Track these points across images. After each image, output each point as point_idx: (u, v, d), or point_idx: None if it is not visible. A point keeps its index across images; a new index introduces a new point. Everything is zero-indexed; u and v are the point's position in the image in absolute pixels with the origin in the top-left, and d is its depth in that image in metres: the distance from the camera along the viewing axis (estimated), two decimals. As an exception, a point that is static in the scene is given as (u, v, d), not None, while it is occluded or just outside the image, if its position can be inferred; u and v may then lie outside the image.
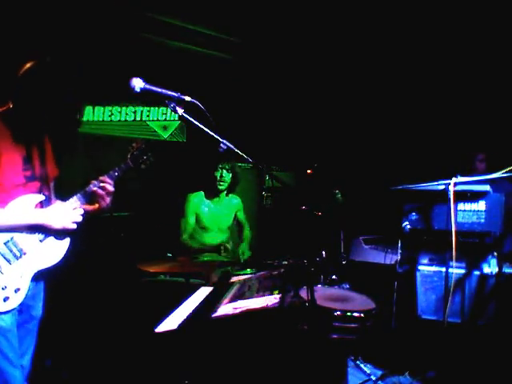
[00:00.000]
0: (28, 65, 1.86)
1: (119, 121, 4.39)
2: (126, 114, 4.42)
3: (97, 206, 2.10)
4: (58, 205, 2.01)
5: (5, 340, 1.84)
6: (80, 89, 1.93)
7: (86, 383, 2.85)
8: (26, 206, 1.91)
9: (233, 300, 2.22)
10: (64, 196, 2.10)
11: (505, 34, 3.86)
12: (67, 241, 2.04)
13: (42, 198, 1.98)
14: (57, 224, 1.92)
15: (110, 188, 2.07)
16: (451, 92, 4.36)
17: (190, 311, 2.18)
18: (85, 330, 3.01)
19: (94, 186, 2.05)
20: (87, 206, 2.08)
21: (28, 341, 2.07)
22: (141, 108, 4.51)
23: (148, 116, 4.56)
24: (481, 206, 2.99)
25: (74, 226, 1.97)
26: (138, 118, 4.51)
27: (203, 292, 2.51)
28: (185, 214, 3.73)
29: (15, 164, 1.90)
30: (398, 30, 4.24)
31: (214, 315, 2.05)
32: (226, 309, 2.10)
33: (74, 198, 2.03)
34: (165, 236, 4.25)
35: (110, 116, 4.33)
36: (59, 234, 1.98)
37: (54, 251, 2.00)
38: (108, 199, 2.09)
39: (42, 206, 1.99)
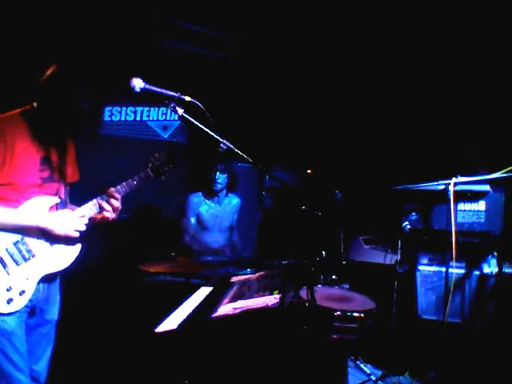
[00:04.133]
0: (52, 68, 1.85)
1: (119, 121, 4.39)
2: (126, 114, 4.43)
3: (103, 216, 2.01)
4: (64, 211, 1.95)
5: (8, 343, 1.78)
6: (100, 90, 1.91)
7: (86, 383, 2.84)
8: (39, 208, 1.86)
9: (233, 300, 2.22)
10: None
11: (504, 35, 3.85)
12: (78, 246, 1.98)
13: (57, 200, 1.93)
14: (59, 230, 1.85)
15: (116, 204, 2.00)
16: (451, 92, 4.36)
17: (190, 311, 2.18)
18: (85, 329, 3.01)
19: (101, 199, 1.98)
20: (96, 215, 2.00)
21: (43, 345, 2.00)
22: (141, 108, 4.51)
23: (148, 116, 4.56)
24: (481, 206, 2.99)
25: (77, 235, 1.91)
26: (138, 118, 4.51)
27: (203, 292, 2.51)
28: (185, 214, 3.72)
29: (31, 164, 1.85)
30: (398, 30, 4.24)
31: (213, 315, 2.05)
32: (225, 309, 2.10)
33: (85, 206, 1.96)
34: (166, 236, 4.25)
35: (109, 116, 4.33)
36: (61, 240, 1.91)
37: (64, 255, 1.94)
38: (114, 214, 2.02)
39: (57, 209, 1.94)
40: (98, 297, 3.42)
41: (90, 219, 1.98)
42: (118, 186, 2.02)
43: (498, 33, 3.90)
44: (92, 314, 3.20)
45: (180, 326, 2.03)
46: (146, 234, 4.18)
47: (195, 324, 2.06)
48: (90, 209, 1.96)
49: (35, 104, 1.89)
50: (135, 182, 2.06)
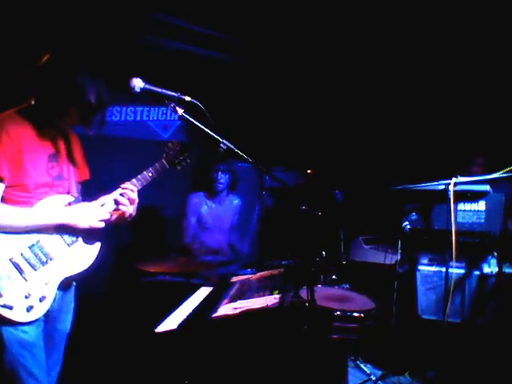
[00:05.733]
0: (45, 57, 1.72)
1: (119, 121, 4.38)
2: (126, 114, 4.42)
3: (120, 212, 1.93)
4: (83, 204, 1.85)
5: (30, 356, 1.70)
6: (104, 86, 1.77)
7: (86, 383, 2.84)
8: (53, 206, 1.76)
9: (233, 300, 2.22)
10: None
11: (505, 35, 3.85)
12: (98, 245, 1.90)
13: (71, 198, 1.84)
14: (82, 223, 1.77)
15: (133, 196, 1.91)
16: (451, 91, 4.36)
17: (190, 311, 2.18)
18: (85, 329, 3.01)
19: (116, 194, 1.89)
20: (112, 212, 1.91)
21: (54, 357, 1.92)
22: (141, 108, 4.51)
23: (148, 116, 4.56)
24: (481, 206, 2.99)
25: (102, 225, 1.82)
26: (138, 118, 4.51)
27: (203, 292, 2.51)
28: (186, 214, 3.72)
29: (40, 162, 1.76)
30: (398, 29, 4.23)
31: (213, 315, 2.05)
32: (225, 309, 2.10)
33: (101, 199, 1.88)
34: (166, 236, 4.25)
35: (109, 116, 4.33)
36: (85, 233, 1.83)
37: (84, 256, 1.85)
38: (131, 208, 1.92)
39: None
40: (98, 297, 3.42)
41: (111, 217, 1.90)
42: (134, 180, 1.94)
43: (498, 33, 3.90)
44: (92, 313, 3.19)
45: (180, 325, 2.02)
46: (146, 234, 4.17)
47: (195, 324, 2.06)
48: (108, 200, 1.88)
49: (32, 101, 1.77)
50: (151, 174, 1.98)
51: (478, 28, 3.93)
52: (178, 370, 2.25)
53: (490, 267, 3.02)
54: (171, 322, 2.08)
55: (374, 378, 3.07)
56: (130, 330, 2.93)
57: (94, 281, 3.42)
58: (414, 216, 3.21)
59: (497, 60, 4.05)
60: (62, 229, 1.77)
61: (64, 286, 1.84)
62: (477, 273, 3.04)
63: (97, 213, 1.82)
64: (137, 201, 1.95)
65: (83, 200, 1.97)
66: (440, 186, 2.95)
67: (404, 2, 3.99)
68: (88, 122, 1.80)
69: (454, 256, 2.78)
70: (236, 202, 3.87)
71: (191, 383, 2.17)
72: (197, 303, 2.30)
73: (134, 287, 3.17)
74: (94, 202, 1.86)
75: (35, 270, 1.70)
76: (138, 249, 3.94)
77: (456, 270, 2.99)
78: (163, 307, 2.24)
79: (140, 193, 1.99)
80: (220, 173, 3.65)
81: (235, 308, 2.07)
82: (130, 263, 2.74)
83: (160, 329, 2.03)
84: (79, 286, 2.06)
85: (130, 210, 1.93)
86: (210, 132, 1.76)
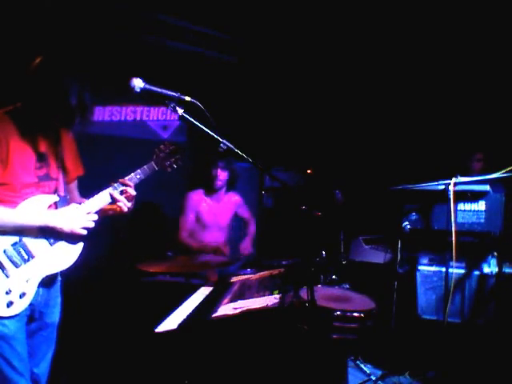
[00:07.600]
0: (36, 61, 1.74)
1: (119, 121, 4.39)
2: (126, 114, 4.42)
3: (117, 208, 1.97)
4: (69, 207, 1.86)
5: (9, 347, 1.74)
6: (89, 87, 1.78)
7: (85, 383, 2.84)
8: (37, 207, 1.79)
9: (233, 300, 2.22)
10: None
11: (503, 34, 3.85)
12: (80, 245, 1.91)
13: (56, 198, 1.86)
14: (66, 228, 1.78)
15: (132, 192, 1.96)
16: (451, 92, 4.36)
17: (190, 311, 2.18)
18: (84, 329, 3.01)
19: (113, 189, 1.93)
20: (107, 207, 1.95)
21: (43, 348, 1.96)
22: (141, 108, 4.51)
23: (148, 116, 4.56)
24: (481, 206, 2.99)
25: (84, 232, 1.83)
26: (138, 118, 4.51)
27: (203, 292, 2.51)
28: (184, 211, 3.72)
29: (27, 162, 1.78)
30: (398, 30, 4.24)
31: (214, 315, 2.05)
32: (225, 309, 2.10)
33: (94, 198, 1.90)
34: (165, 235, 4.24)
35: (109, 116, 4.33)
36: (67, 238, 1.84)
37: (65, 255, 1.87)
38: (130, 204, 1.97)
39: (56, 207, 1.86)
40: (98, 297, 3.42)
41: (102, 211, 1.92)
42: (126, 177, 1.98)
43: (498, 34, 3.90)
44: (91, 313, 3.20)
45: (180, 325, 2.02)
46: (146, 233, 4.18)
47: (195, 324, 2.06)
48: (100, 200, 1.90)
49: (19, 104, 1.79)
50: (138, 176, 2.00)
51: (477, 28, 3.93)
52: (178, 370, 2.25)
53: (490, 267, 3.02)
54: (171, 322, 2.08)
55: (373, 378, 3.07)
56: (130, 329, 2.92)
57: (94, 281, 3.43)
58: (413, 216, 3.21)
59: (497, 61, 4.06)
60: (46, 229, 1.79)
61: (47, 283, 1.87)
62: (477, 273, 3.05)
63: (81, 220, 1.83)
64: (134, 195, 2.00)
65: (81, 197, 2.01)
66: (440, 186, 2.95)
67: (404, 2, 3.99)
68: (68, 123, 1.81)
69: (454, 256, 2.79)
70: (235, 198, 3.87)
71: (191, 383, 2.17)
72: (197, 303, 2.30)
73: (134, 287, 3.17)
74: (81, 207, 1.87)
75: (17, 267, 1.74)
76: (138, 248, 3.94)
77: (456, 270, 3.00)
78: (163, 307, 2.24)
79: (140, 191, 2.00)
80: (219, 170, 3.65)
81: (235, 308, 2.07)
82: (130, 263, 2.74)
83: (160, 329, 2.03)
84: (80, 286, 2.06)
85: (127, 204, 1.97)
86: (210, 132, 1.76)
